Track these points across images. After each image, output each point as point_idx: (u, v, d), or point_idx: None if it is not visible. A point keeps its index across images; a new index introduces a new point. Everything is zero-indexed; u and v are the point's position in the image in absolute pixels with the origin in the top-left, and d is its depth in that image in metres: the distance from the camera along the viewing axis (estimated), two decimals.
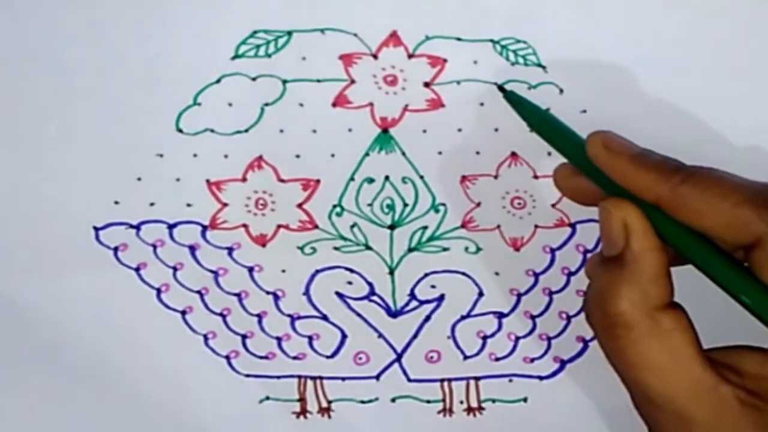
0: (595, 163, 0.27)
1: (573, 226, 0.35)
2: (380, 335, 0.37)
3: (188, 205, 0.35)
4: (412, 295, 0.36)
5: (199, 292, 0.36)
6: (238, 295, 0.36)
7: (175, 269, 0.36)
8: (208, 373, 0.37)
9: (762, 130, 0.34)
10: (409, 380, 0.37)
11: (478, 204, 0.35)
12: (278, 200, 0.35)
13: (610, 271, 0.26)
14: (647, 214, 0.26)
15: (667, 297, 0.26)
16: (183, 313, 0.36)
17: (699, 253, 0.25)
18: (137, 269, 0.36)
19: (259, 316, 0.36)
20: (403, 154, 0.35)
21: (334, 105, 0.34)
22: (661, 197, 0.25)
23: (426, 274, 0.36)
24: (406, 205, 0.35)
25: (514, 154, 0.35)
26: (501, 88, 0.31)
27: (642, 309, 0.25)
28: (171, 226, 0.35)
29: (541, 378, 0.37)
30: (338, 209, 0.35)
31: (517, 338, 0.37)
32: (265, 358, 0.37)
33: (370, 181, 0.35)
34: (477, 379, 0.37)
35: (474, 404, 0.37)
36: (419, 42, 0.34)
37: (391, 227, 0.35)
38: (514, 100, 0.30)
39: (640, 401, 0.26)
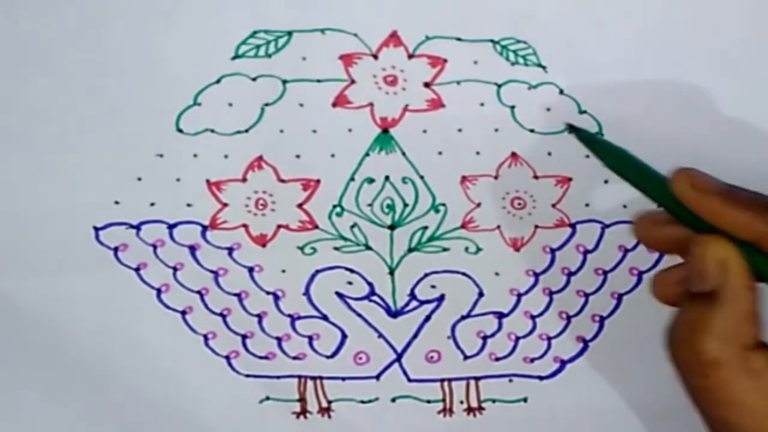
0: (683, 202, 0.27)
1: (573, 226, 0.35)
2: (380, 335, 0.37)
3: (188, 205, 0.35)
4: (412, 295, 0.36)
5: (199, 292, 0.36)
6: (238, 295, 0.36)
7: (175, 269, 0.36)
8: (208, 373, 0.37)
9: (762, 130, 0.34)
10: (409, 380, 0.37)
11: (479, 204, 0.35)
12: (278, 200, 0.35)
13: (702, 307, 0.25)
14: (745, 253, 0.26)
15: (759, 336, 0.26)
16: (183, 313, 0.36)
17: None
18: (137, 269, 0.36)
19: (259, 316, 0.36)
20: (403, 154, 0.35)
21: (334, 105, 0.34)
22: (760, 236, 0.25)
23: (426, 274, 0.36)
24: (406, 205, 0.35)
25: (514, 154, 0.35)
26: (573, 127, 0.31)
27: (734, 347, 0.25)
28: (171, 226, 0.35)
29: (541, 378, 0.37)
30: (338, 209, 0.35)
31: (517, 338, 0.37)
32: (265, 358, 0.37)
33: (371, 181, 0.35)
34: (477, 379, 0.37)
35: (474, 404, 0.37)
36: (419, 42, 0.34)
37: (391, 227, 0.35)
38: (587, 139, 0.30)
39: None
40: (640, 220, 0.29)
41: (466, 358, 0.37)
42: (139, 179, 0.35)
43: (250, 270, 0.36)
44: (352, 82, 0.34)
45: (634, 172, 0.29)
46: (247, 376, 0.37)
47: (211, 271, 0.36)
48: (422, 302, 0.36)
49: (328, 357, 0.37)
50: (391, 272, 0.36)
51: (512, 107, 0.34)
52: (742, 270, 0.25)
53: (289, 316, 0.36)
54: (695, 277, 0.26)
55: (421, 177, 0.35)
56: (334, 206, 0.35)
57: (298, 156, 0.35)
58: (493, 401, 0.37)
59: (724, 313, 0.25)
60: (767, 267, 0.26)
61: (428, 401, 0.37)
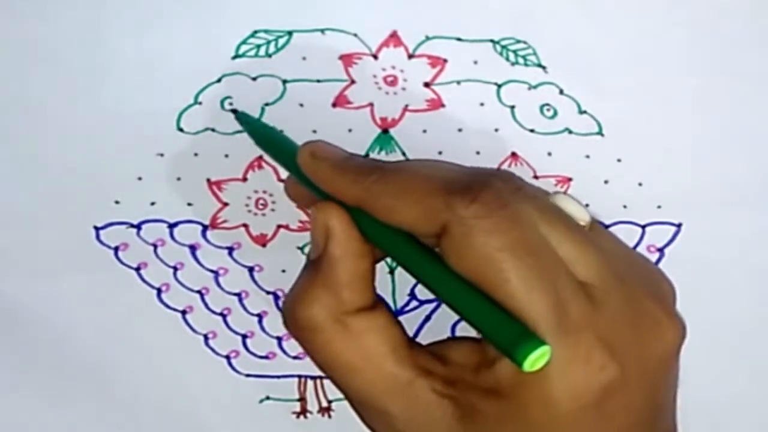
0: (303, 170, 0.27)
1: None
2: None
3: (189, 204, 0.35)
4: (413, 295, 0.36)
5: (199, 291, 0.36)
6: (238, 294, 0.36)
7: (175, 269, 0.36)
8: (208, 373, 0.37)
9: (762, 130, 0.34)
10: None
11: None
12: (278, 200, 0.35)
13: (309, 275, 0.26)
14: (356, 219, 0.26)
15: (363, 302, 0.26)
16: (183, 312, 0.36)
17: (398, 251, 0.26)
18: (137, 269, 0.36)
19: (260, 316, 0.37)
20: (404, 154, 0.35)
21: (334, 105, 0.34)
22: (359, 198, 0.25)
23: None
24: None
25: (514, 154, 0.35)
26: (234, 110, 0.33)
27: (332, 313, 0.26)
28: (171, 226, 0.35)
29: None
30: None
31: None
32: (265, 357, 0.37)
33: None
34: None
35: None
36: (419, 42, 0.34)
37: None
38: (242, 120, 0.32)
39: (348, 399, 0.27)
40: (288, 179, 0.30)
41: None
42: (140, 179, 0.35)
43: (250, 270, 0.36)
44: (352, 82, 0.34)
45: (274, 146, 0.30)
46: (247, 375, 0.37)
47: (212, 271, 0.36)
48: (422, 302, 0.36)
49: None
50: (391, 272, 0.36)
51: (512, 107, 0.34)
52: (345, 236, 0.26)
53: None
54: (311, 244, 0.27)
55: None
56: None
57: None
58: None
59: (324, 280, 0.26)
60: (375, 230, 0.26)
61: None
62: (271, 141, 0.31)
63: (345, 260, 0.26)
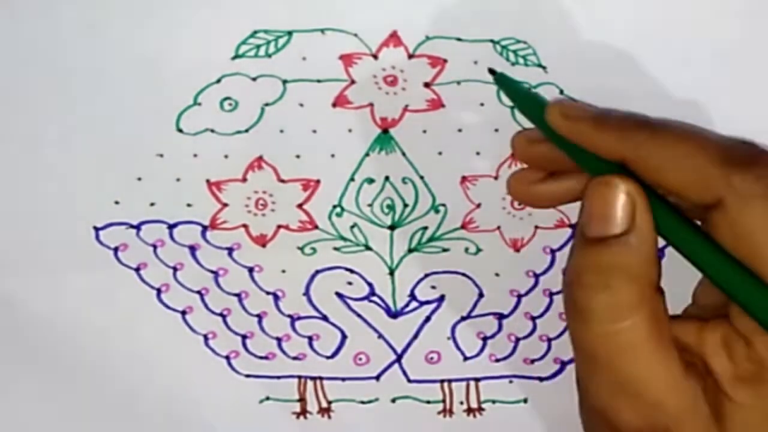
0: (558, 131, 0.26)
1: (573, 226, 0.35)
2: (380, 336, 0.37)
3: (188, 205, 0.35)
4: (412, 296, 0.36)
5: (199, 292, 0.36)
6: (238, 295, 0.36)
7: (175, 269, 0.36)
8: (208, 373, 0.37)
9: (762, 130, 0.34)
10: (409, 381, 0.37)
11: (479, 205, 0.35)
12: (278, 200, 0.35)
13: (612, 249, 0.24)
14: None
15: (658, 281, 0.25)
16: (183, 313, 0.36)
17: (662, 216, 0.24)
18: (137, 269, 0.36)
19: (259, 317, 0.36)
20: (404, 154, 0.35)
21: (334, 105, 0.34)
22: (627, 156, 0.24)
23: (426, 275, 0.36)
24: (406, 205, 0.35)
25: (514, 155, 0.35)
26: (492, 70, 0.30)
27: (649, 288, 0.24)
28: (171, 226, 0.35)
29: (541, 379, 0.37)
30: (338, 209, 0.35)
31: (518, 339, 0.37)
32: (265, 358, 0.37)
33: (370, 181, 0.35)
34: (477, 380, 0.37)
35: (474, 405, 0.37)
36: (419, 42, 0.34)
37: (391, 228, 0.35)
38: (504, 82, 0.29)
39: (599, 378, 0.25)
40: (519, 136, 0.28)
41: (466, 358, 0.37)
42: (139, 179, 0.35)
43: (250, 270, 0.36)
44: (352, 82, 0.34)
45: (521, 99, 0.28)
46: (247, 376, 0.37)
47: (211, 271, 0.36)
48: (422, 303, 0.36)
49: (328, 357, 0.37)
50: (391, 273, 0.36)
51: (512, 107, 0.34)
52: (648, 209, 0.24)
53: (289, 316, 0.36)
54: (595, 221, 0.25)
55: (421, 177, 0.35)
56: (334, 206, 0.35)
57: (298, 156, 0.35)
58: (493, 402, 0.37)
59: (639, 255, 0.24)
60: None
61: (428, 402, 0.37)
62: (523, 98, 0.28)
63: (653, 234, 0.24)
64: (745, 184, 0.22)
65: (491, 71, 0.29)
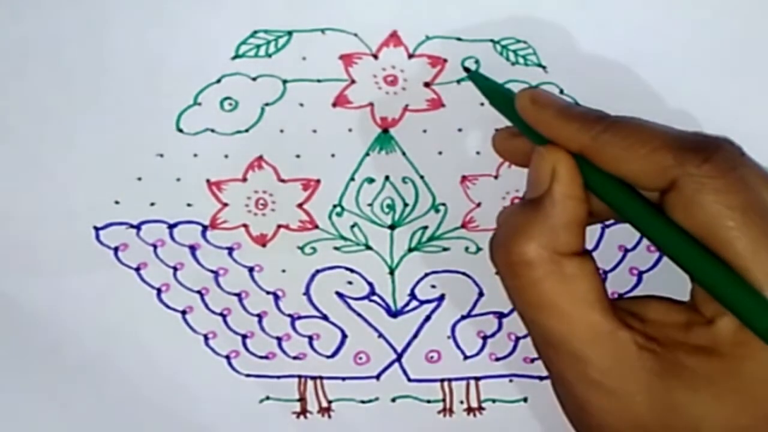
0: (522, 117, 0.28)
1: None
2: (380, 335, 0.37)
3: (188, 205, 0.35)
4: (413, 295, 0.36)
5: (199, 292, 0.36)
6: (238, 295, 0.36)
7: (175, 269, 0.36)
8: (208, 373, 0.37)
9: (762, 130, 0.34)
10: (410, 380, 0.37)
11: (479, 204, 0.35)
12: (278, 200, 0.35)
13: (526, 213, 0.26)
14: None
15: (577, 246, 0.26)
16: (183, 313, 0.36)
17: (620, 199, 0.26)
18: (137, 269, 0.36)
19: (260, 316, 0.36)
20: (404, 154, 0.35)
21: (335, 105, 0.34)
22: (585, 146, 0.26)
23: (426, 274, 0.36)
24: (406, 205, 0.35)
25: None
26: (466, 68, 0.32)
27: (548, 252, 0.26)
28: (171, 226, 0.35)
29: (541, 378, 0.37)
30: (338, 209, 0.35)
31: (518, 338, 0.37)
32: (265, 358, 0.37)
33: (371, 181, 0.35)
34: (477, 379, 0.37)
35: (474, 404, 0.37)
36: (419, 42, 0.34)
37: (392, 227, 0.35)
38: (476, 79, 0.32)
39: (539, 342, 0.27)
40: (500, 132, 0.31)
41: (466, 358, 0.37)
42: (139, 179, 0.35)
43: (250, 270, 0.36)
44: (352, 82, 0.34)
45: (492, 92, 0.31)
46: (247, 376, 0.37)
47: (211, 271, 0.36)
48: (422, 302, 0.36)
49: (328, 357, 0.37)
50: (391, 272, 0.36)
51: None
52: (571, 180, 0.26)
53: (289, 316, 0.36)
54: (528, 185, 0.27)
55: (421, 177, 0.35)
56: (334, 206, 0.35)
57: (298, 156, 0.35)
58: (493, 401, 0.37)
59: (545, 218, 0.26)
60: (595, 178, 0.26)
61: (428, 401, 0.37)
62: (493, 91, 0.31)
63: (568, 201, 0.26)
64: (697, 168, 0.24)
65: (465, 69, 0.31)
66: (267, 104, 0.34)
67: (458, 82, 0.34)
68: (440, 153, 0.35)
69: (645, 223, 0.26)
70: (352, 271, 0.36)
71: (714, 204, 0.24)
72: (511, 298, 0.27)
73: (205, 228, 0.35)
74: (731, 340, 0.24)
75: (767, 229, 0.24)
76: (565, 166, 0.26)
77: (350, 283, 0.36)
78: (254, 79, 0.34)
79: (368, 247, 0.36)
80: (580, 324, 0.26)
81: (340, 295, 0.36)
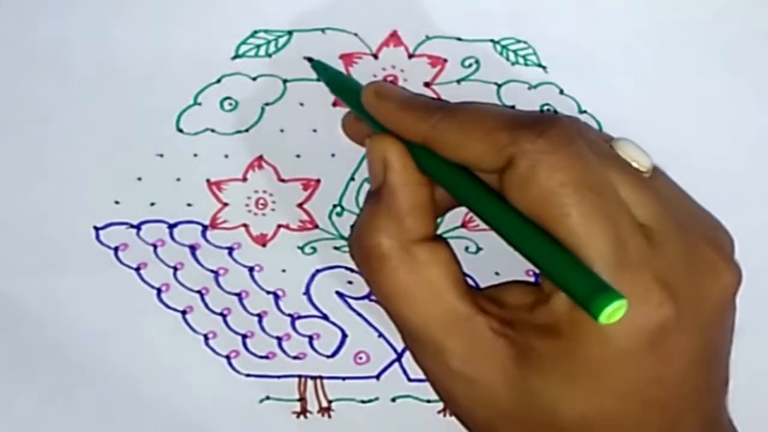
0: (366, 108, 0.28)
1: None
2: (380, 335, 0.37)
3: (188, 205, 0.35)
4: None
5: (199, 291, 0.36)
6: (238, 294, 0.36)
7: (175, 269, 0.36)
8: (208, 373, 0.37)
9: (762, 130, 0.34)
10: (410, 380, 0.37)
11: None
12: (278, 200, 0.35)
13: (370, 205, 0.27)
14: (415, 155, 0.26)
15: (426, 231, 0.26)
16: (183, 313, 0.36)
17: (453, 184, 0.26)
18: (137, 269, 0.36)
19: (260, 316, 0.36)
20: None
21: (335, 105, 0.34)
22: (426, 136, 0.26)
23: None
24: None
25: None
26: (309, 58, 0.33)
27: (397, 241, 0.26)
28: (171, 226, 0.35)
29: None
30: (338, 209, 0.35)
31: None
32: (265, 357, 0.37)
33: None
34: None
35: None
36: (419, 42, 0.34)
37: None
38: (318, 68, 0.32)
39: (404, 335, 0.27)
40: (346, 116, 0.31)
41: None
42: (139, 179, 0.35)
43: (250, 270, 0.36)
44: None
45: (341, 87, 0.31)
46: (247, 375, 0.37)
47: (211, 271, 0.36)
48: None
49: (328, 357, 0.37)
50: None
51: (512, 107, 0.34)
52: (403, 166, 0.26)
53: (289, 315, 0.36)
54: (370, 177, 0.27)
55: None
56: (335, 206, 0.35)
57: (298, 156, 0.35)
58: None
59: (387, 209, 0.26)
60: (437, 168, 0.26)
61: (428, 401, 0.37)
62: (339, 83, 0.31)
63: (405, 188, 0.26)
64: (530, 144, 0.24)
65: (308, 59, 0.32)
66: (267, 104, 0.34)
67: (458, 82, 0.34)
68: None
69: (476, 203, 0.25)
70: (352, 270, 0.36)
71: (546, 180, 0.23)
72: (372, 292, 0.27)
73: (205, 228, 0.35)
74: (568, 319, 0.24)
75: (600, 204, 0.23)
76: (395, 153, 0.26)
77: (350, 282, 0.36)
78: (254, 79, 0.34)
79: None
80: (436, 311, 0.26)
81: (340, 294, 0.36)
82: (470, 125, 0.25)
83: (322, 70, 0.32)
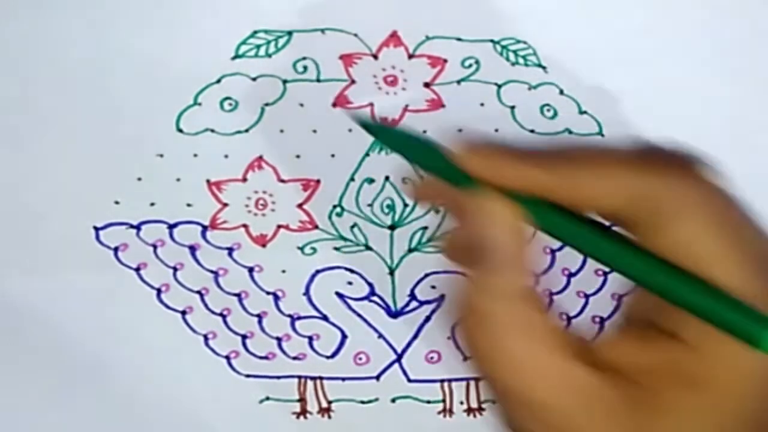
0: (474, 173, 0.24)
1: None
2: (380, 335, 0.37)
3: (188, 205, 0.35)
4: (413, 296, 0.36)
5: (199, 292, 0.36)
6: (238, 295, 0.36)
7: (175, 269, 0.36)
8: (208, 373, 0.37)
9: (762, 130, 0.34)
10: (409, 380, 0.37)
11: None
12: (278, 200, 0.35)
13: (476, 266, 0.24)
14: (528, 209, 0.24)
15: (531, 285, 0.24)
16: (183, 313, 0.36)
17: (587, 238, 0.24)
18: (137, 269, 0.36)
19: (259, 316, 0.36)
20: None
21: (335, 105, 0.34)
22: (546, 187, 0.23)
23: (426, 275, 0.36)
24: (406, 205, 0.35)
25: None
26: (364, 125, 0.29)
27: (509, 300, 0.24)
28: (171, 226, 0.35)
29: None
30: (338, 209, 0.35)
31: None
32: (265, 358, 0.37)
33: (371, 181, 0.35)
34: (477, 379, 0.37)
35: (474, 405, 0.37)
36: (419, 42, 0.34)
37: (392, 227, 0.35)
38: (375, 131, 0.29)
39: (505, 400, 0.25)
40: (414, 184, 0.29)
41: (466, 358, 0.37)
42: (139, 179, 0.35)
43: (250, 270, 0.36)
44: (352, 82, 0.34)
45: (409, 150, 0.27)
46: (247, 376, 0.37)
47: (211, 271, 0.36)
48: (422, 302, 0.36)
49: (328, 357, 0.37)
50: (391, 272, 0.36)
51: (512, 107, 0.34)
52: (512, 220, 0.24)
53: (289, 316, 0.36)
54: (472, 239, 0.25)
55: (422, 177, 0.35)
56: (334, 206, 0.35)
57: (298, 156, 0.35)
58: (494, 402, 0.37)
59: (495, 267, 0.24)
60: (553, 221, 0.24)
61: (428, 402, 0.37)
62: (406, 145, 0.28)
63: (516, 244, 0.24)
64: (678, 180, 0.22)
65: (364, 126, 0.28)
66: (267, 104, 0.34)
67: (458, 82, 0.34)
68: None
69: (611, 256, 0.23)
70: (352, 271, 0.36)
71: (691, 221, 0.22)
72: (484, 361, 0.25)
73: (205, 228, 0.35)
74: (722, 370, 0.22)
75: (742, 244, 0.22)
76: (504, 209, 0.24)
77: (350, 283, 0.36)
78: (254, 79, 0.34)
79: (368, 248, 0.36)
80: (548, 372, 0.24)
81: (340, 295, 0.36)
82: (596, 165, 0.23)
83: (383, 134, 0.29)
